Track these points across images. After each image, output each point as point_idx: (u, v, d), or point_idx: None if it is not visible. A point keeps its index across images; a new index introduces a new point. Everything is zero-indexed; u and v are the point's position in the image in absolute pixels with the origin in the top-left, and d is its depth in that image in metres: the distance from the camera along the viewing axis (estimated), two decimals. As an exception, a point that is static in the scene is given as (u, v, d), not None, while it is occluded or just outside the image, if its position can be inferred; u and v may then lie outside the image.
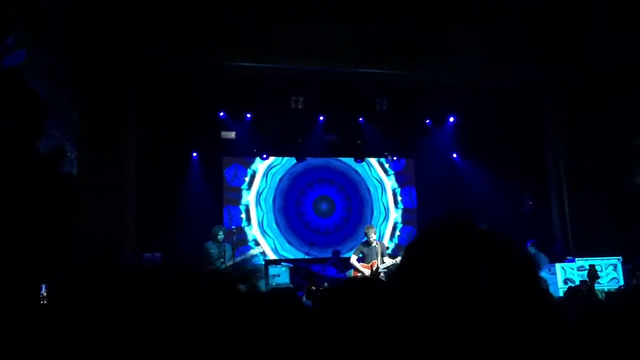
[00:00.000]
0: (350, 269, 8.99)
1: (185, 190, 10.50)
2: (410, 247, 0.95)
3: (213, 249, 8.32)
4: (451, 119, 11.22)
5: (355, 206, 11.96)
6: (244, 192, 11.36)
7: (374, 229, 8.86)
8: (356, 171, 12.05)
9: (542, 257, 9.06)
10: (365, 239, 8.60)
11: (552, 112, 9.93)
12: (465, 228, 0.91)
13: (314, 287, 8.32)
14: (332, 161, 11.92)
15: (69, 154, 6.74)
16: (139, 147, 8.65)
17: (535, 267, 0.90)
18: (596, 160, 9.63)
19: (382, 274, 8.27)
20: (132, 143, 8.40)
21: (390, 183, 12.24)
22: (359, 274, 8.40)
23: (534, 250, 9.10)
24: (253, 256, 9.16)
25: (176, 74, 9.08)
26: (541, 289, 0.89)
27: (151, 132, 9.21)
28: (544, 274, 8.52)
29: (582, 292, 5.48)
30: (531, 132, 10.28)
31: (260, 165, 11.50)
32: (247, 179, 11.41)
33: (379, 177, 12.19)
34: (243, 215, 11.24)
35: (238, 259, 8.55)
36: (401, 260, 0.95)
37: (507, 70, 9.40)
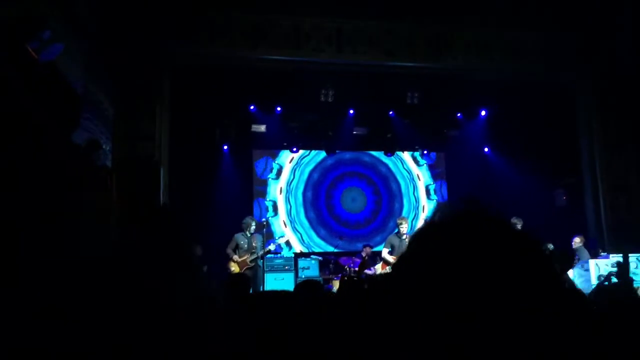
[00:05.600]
0: (378, 262, 8.98)
1: (217, 183, 10.64)
2: (416, 233, 0.89)
3: (242, 240, 8.41)
4: (483, 113, 11.08)
5: (385, 198, 11.94)
6: (271, 183, 11.44)
7: (407, 221, 8.80)
8: (385, 165, 12.01)
9: (584, 253, 8.85)
10: (397, 230, 8.56)
11: (586, 108, 9.72)
12: (476, 215, 0.86)
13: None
14: (362, 155, 11.92)
15: (104, 147, 6.89)
16: (171, 141, 8.79)
17: (552, 264, 0.84)
18: (632, 155, 9.42)
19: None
20: (164, 138, 8.54)
21: (424, 178, 12.16)
22: (387, 267, 8.39)
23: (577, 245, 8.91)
24: (279, 246, 9.26)
25: (207, 68, 9.18)
26: (561, 287, 0.82)
27: (183, 126, 9.34)
28: (577, 270, 8.37)
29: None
30: (565, 127, 10.08)
31: (286, 159, 11.57)
32: (271, 170, 11.50)
33: (410, 170, 12.12)
34: (267, 208, 11.32)
35: (266, 249, 8.65)
36: (407, 248, 0.89)
37: (539, 67, 9.26)
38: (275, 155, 11.55)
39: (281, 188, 11.50)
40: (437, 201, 12.12)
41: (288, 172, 11.57)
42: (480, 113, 11.10)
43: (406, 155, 12.11)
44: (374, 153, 11.98)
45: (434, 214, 0.89)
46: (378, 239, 11.12)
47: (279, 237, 10.06)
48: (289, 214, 11.39)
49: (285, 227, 11.31)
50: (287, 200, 11.47)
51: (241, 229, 8.60)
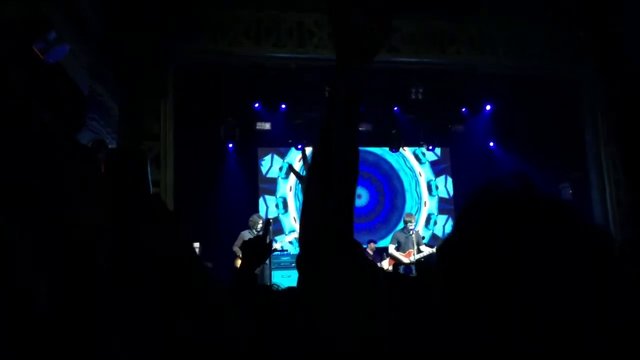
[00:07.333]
0: (384, 259, 8.99)
1: (222, 181, 10.65)
2: (463, 215, 0.78)
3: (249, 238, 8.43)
4: (488, 107, 11.06)
5: (388, 195, 11.96)
6: (281, 182, 11.49)
7: (414, 218, 8.84)
8: (388, 163, 12.03)
9: None
10: (403, 226, 8.60)
11: (591, 102, 9.68)
12: (533, 194, 0.75)
13: None
14: (365, 154, 11.95)
15: (110, 146, 6.91)
16: (176, 140, 8.82)
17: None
18: None
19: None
20: (169, 136, 8.56)
21: (425, 174, 12.18)
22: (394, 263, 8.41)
23: None
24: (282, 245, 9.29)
25: (211, 66, 9.19)
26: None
27: (188, 125, 9.36)
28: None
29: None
30: (570, 121, 10.05)
31: (296, 157, 11.61)
32: (280, 168, 11.55)
33: (412, 167, 12.14)
34: (277, 205, 11.37)
35: (273, 246, 8.66)
36: (452, 231, 0.80)
37: (544, 61, 9.22)
38: (280, 153, 11.57)
39: (291, 186, 11.55)
40: (439, 197, 12.09)
41: (298, 171, 11.65)
42: (485, 108, 11.08)
43: (408, 153, 12.12)
44: (377, 150, 11.98)
45: (480, 191, 0.78)
46: (383, 232, 11.18)
47: (289, 233, 10.11)
48: (299, 210, 11.46)
49: (296, 222, 11.38)
50: (298, 197, 11.53)
51: (248, 226, 8.61)
